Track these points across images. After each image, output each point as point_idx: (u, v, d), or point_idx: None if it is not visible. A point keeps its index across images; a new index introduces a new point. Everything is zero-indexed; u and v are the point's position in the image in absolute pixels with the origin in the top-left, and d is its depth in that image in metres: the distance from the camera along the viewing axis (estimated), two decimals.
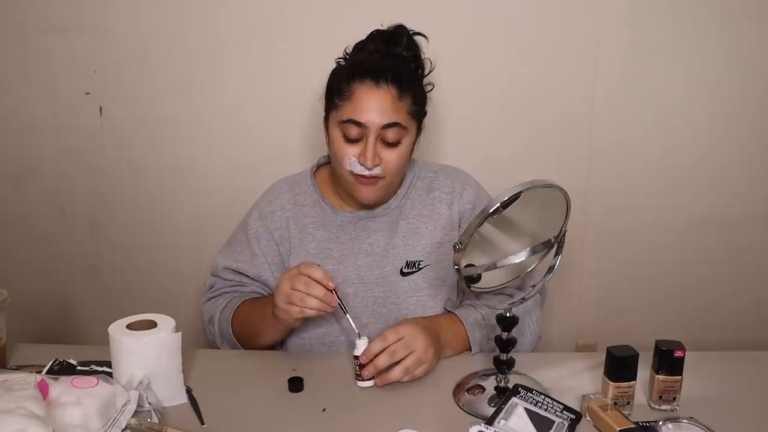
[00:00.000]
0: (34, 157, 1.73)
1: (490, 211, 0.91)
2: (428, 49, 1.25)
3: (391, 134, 1.16)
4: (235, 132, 1.68)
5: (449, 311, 1.25)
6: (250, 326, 1.21)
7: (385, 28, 1.24)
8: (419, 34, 1.24)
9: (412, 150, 1.24)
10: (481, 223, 0.92)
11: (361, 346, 1.07)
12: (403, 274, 1.26)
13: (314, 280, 1.04)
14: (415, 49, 1.23)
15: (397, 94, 1.15)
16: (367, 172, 1.16)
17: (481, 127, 1.66)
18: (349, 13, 1.58)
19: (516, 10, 1.59)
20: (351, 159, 1.17)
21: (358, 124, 1.15)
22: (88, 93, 1.67)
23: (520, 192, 0.91)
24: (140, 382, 0.96)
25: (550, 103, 1.64)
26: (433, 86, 1.27)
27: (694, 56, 1.62)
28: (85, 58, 1.65)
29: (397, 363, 1.06)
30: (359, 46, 1.23)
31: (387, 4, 1.54)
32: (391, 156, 1.17)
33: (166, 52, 1.63)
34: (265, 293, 1.29)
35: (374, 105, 1.14)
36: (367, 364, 1.06)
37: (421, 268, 1.26)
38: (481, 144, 1.67)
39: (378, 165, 1.16)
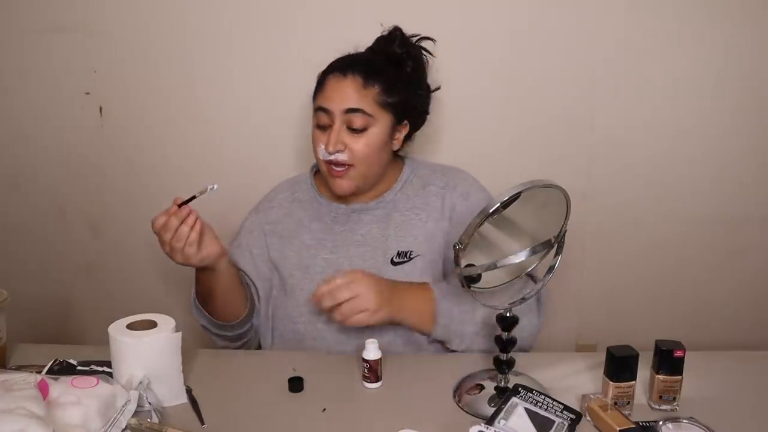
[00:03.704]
0: (33, 157, 1.72)
1: (490, 211, 0.91)
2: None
3: (355, 120, 1.21)
4: (236, 132, 1.68)
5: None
6: (202, 295, 1.26)
7: (383, 27, 1.27)
8: (426, 38, 1.26)
9: (389, 142, 1.26)
10: (482, 223, 0.92)
11: (371, 349, 1.07)
12: (393, 263, 1.27)
13: (162, 223, 1.12)
14: (409, 47, 1.26)
15: (362, 83, 1.21)
16: (330, 157, 1.21)
17: (480, 127, 1.66)
18: (351, 13, 1.58)
19: (515, 10, 1.59)
20: (321, 147, 1.23)
21: (325, 110, 1.22)
22: (88, 93, 1.67)
23: (520, 192, 0.91)
24: (140, 382, 0.97)
25: (550, 103, 1.64)
26: (439, 87, 1.28)
27: (694, 56, 1.61)
28: (85, 58, 1.64)
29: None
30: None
31: (386, 6, 1.54)
32: (357, 144, 1.21)
33: (166, 52, 1.63)
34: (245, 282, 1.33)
35: (339, 92, 1.21)
36: (375, 367, 1.07)
37: (411, 258, 1.27)
38: (481, 144, 1.66)
39: (341, 150, 1.21)
